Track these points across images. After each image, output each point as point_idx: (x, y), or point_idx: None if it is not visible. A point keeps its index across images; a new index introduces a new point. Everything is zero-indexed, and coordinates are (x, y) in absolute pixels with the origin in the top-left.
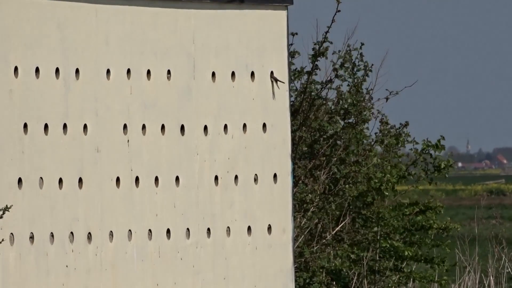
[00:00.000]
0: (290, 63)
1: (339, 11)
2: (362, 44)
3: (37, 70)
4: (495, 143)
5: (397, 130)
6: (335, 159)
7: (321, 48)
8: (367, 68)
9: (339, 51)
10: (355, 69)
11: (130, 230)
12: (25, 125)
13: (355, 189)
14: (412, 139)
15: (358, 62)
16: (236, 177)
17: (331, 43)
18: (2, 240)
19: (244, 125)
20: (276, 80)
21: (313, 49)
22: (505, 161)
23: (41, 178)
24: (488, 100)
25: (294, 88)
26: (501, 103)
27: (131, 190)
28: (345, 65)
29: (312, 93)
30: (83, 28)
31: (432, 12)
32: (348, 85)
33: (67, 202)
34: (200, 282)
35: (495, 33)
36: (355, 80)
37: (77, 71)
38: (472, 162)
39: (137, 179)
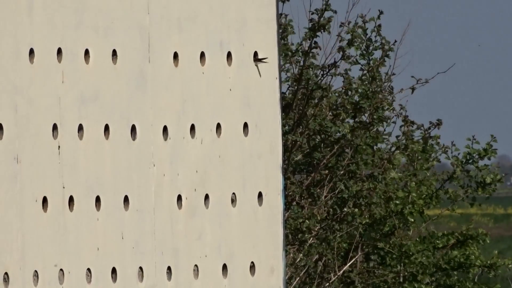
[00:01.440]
0: (280, 41)
1: None
2: (381, 13)
3: None
4: None
5: (426, 133)
6: (342, 172)
7: (322, 19)
8: (388, 46)
9: (349, 22)
10: (370, 48)
11: (62, 270)
12: None
13: (369, 214)
14: (442, 146)
15: (376, 37)
16: (206, 196)
17: (335, 12)
18: None
19: (218, 126)
20: (260, 60)
21: (311, 20)
22: None
23: None
24: None
25: (286, 74)
26: None
27: (62, 214)
28: (355, 42)
29: (310, 81)
30: None
31: None
32: (361, 69)
33: None
34: None
35: None
36: (371, 63)
37: None
38: None
39: (71, 199)
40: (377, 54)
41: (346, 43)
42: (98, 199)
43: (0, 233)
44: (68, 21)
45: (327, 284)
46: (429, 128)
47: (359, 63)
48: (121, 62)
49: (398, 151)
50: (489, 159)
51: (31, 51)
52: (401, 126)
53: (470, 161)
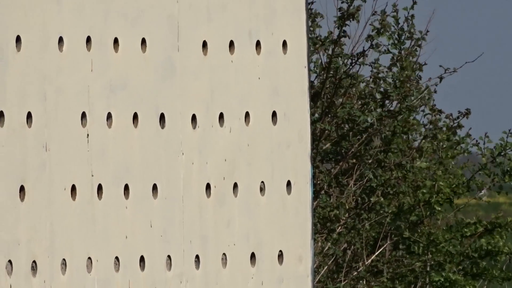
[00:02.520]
0: (309, 30)
1: None
2: (414, 3)
3: None
4: None
5: (455, 122)
6: (370, 161)
7: (351, 7)
8: (421, 35)
9: (382, 11)
10: (402, 37)
11: (89, 258)
12: None
13: (396, 204)
14: (473, 139)
15: (409, 27)
16: (235, 185)
17: (365, 1)
18: None
19: (247, 114)
20: None
21: (340, 9)
22: None
23: None
24: None
25: (314, 64)
26: None
27: (91, 202)
28: (387, 31)
29: (339, 70)
30: None
31: None
32: (393, 58)
33: (4, 218)
34: None
35: None
36: (402, 53)
37: (17, 39)
38: None
39: (99, 187)
40: (408, 43)
41: (375, 32)
42: (126, 187)
43: (29, 222)
44: (97, 10)
45: (355, 272)
46: (458, 117)
47: (391, 53)
48: (150, 51)
49: (425, 141)
50: None
51: (60, 40)
52: (425, 114)
53: (502, 153)
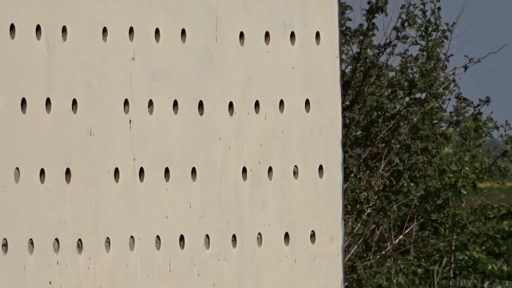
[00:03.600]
0: (341, 21)
1: None
2: None
3: (12, 27)
4: None
5: (476, 109)
6: (398, 146)
7: (379, 1)
8: (447, 27)
9: (409, 3)
10: (430, 29)
11: (132, 237)
12: None
13: (423, 187)
14: (494, 123)
15: (435, 19)
16: (270, 169)
17: None
18: None
19: (281, 102)
20: None
21: (369, 2)
22: None
23: (17, 169)
24: None
25: (346, 53)
26: None
27: (133, 185)
28: (415, 24)
29: (368, 60)
30: None
31: None
32: (420, 49)
33: (51, 199)
34: None
35: None
36: (429, 43)
37: (64, 29)
38: None
39: (141, 171)
40: (434, 35)
41: (401, 23)
42: (167, 171)
43: (75, 203)
44: (139, 2)
45: (383, 252)
46: (478, 105)
47: (419, 44)
48: (190, 41)
49: (451, 127)
50: None
51: (104, 30)
52: (454, 103)
53: None
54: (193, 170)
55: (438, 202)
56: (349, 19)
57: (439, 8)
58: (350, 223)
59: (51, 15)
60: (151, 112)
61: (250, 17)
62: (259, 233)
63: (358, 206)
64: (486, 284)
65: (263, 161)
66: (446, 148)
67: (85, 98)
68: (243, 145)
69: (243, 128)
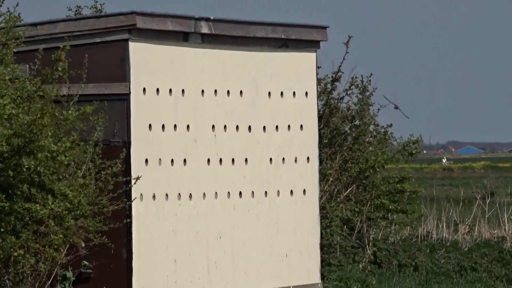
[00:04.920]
0: (317, 86)
1: (347, 52)
2: (371, 74)
3: (157, 90)
4: (447, 137)
5: (384, 129)
6: (345, 148)
7: (336, 75)
8: (371, 91)
9: (361, 76)
10: (366, 93)
11: (216, 192)
12: (150, 126)
13: (358, 167)
14: (395, 138)
15: (367, 84)
16: (283, 159)
17: (343, 72)
18: (135, 198)
19: (289, 126)
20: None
21: (331, 77)
22: (453, 150)
23: (160, 159)
24: (445, 102)
25: (320, 101)
26: (453, 105)
27: (216, 166)
28: (355, 87)
29: (331, 105)
30: (187, 62)
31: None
32: (357, 102)
33: (177, 174)
34: (260, 225)
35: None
36: (364, 99)
37: (183, 91)
38: (432, 150)
39: (220, 160)
40: (367, 94)
41: (347, 87)
42: (233, 160)
43: (189, 175)
44: (219, 75)
45: (338, 199)
46: (386, 127)
47: (358, 97)
48: (244, 95)
49: (372, 138)
50: (418, 145)
51: (202, 91)
52: (373, 127)
53: (408, 145)
54: (246, 160)
55: (366, 174)
56: (321, 82)
57: (369, 81)
58: (322, 186)
59: (178, 84)
60: (225, 130)
61: (273, 83)
62: (278, 190)
63: (326, 177)
64: (389, 215)
65: (281, 154)
66: (370, 148)
67: (194, 123)
68: (271, 147)
69: (270, 139)
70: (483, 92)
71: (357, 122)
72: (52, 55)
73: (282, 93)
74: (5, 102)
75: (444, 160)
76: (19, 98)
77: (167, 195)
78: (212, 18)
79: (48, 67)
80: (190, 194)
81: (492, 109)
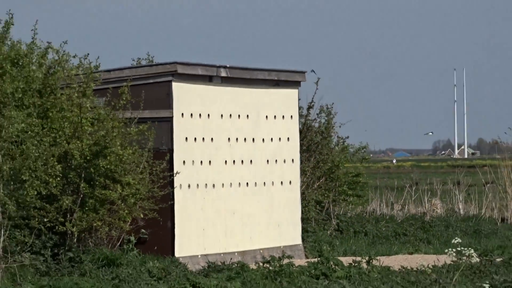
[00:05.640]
0: (299, 112)
1: (317, 89)
2: (333, 103)
3: (191, 115)
4: (386, 145)
5: (343, 139)
6: (317, 152)
7: (310, 104)
8: (333, 114)
9: (326, 105)
10: (330, 116)
11: (231, 183)
12: (186, 138)
13: (327, 166)
14: (345, 144)
15: (330, 109)
16: (276, 160)
17: (314, 102)
18: (176, 186)
19: (279, 138)
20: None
21: (308, 105)
22: (390, 154)
23: (193, 160)
24: (385, 120)
25: (301, 121)
26: (390, 121)
27: (231, 166)
28: (323, 112)
29: (308, 125)
30: (211, 96)
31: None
32: (324, 122)
33: (204, 171)
34: (261, 205)
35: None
36: (329, 120)
37: (208, 115)
38: (376, 154)
39: (234, 161)
40: (331, 117)
41: (318, 112)
42: (242, 161)
43: (218, 169)
44: (234, 108)
45: (313, 187)
46: (344, 138)
47: (325, 119)
48: (250, 117)
49: (336, 146)
50: (365, 150)
51: (231, 115)
52: (336, 138)
53: (360, 151)
54: (251, 161)
55: (332, 170)
56: (302, 108)
57: (332, 108)
58: (302, 178)
59: (205, 110)
60: (236, 141)
61: (269, 110)
62: (272, 181)
63: (304, 172)
64: (348, 198)
65: (274, 157)
66: (335, 151)
67: (216, 137)
68: (267, 152)
69: (267, 147)
70: (411, 110)
71: (325, 135)
72: (119, 89)
73: (275, 117)
74: (87, 123)
75: (394, 161)
76: (95, 120)
77: (197, 185)
78: (228, 65)
79: (117, 99)
80: (214, 184)
81: (416, 123)
